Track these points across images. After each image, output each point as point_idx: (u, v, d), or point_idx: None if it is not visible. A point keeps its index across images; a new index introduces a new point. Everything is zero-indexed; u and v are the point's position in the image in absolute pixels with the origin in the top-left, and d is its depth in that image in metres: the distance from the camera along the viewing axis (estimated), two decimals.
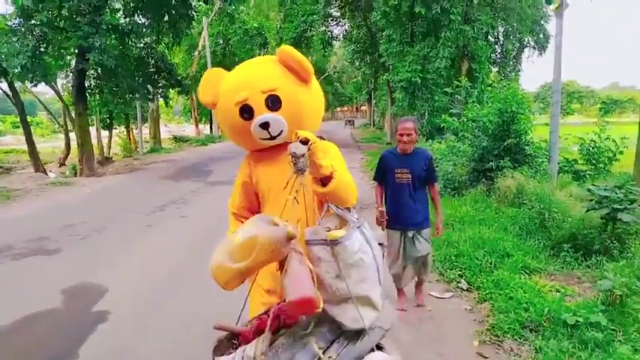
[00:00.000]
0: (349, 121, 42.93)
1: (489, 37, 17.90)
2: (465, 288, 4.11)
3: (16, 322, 3.61)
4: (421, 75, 14.80)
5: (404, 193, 3.50)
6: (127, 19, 14.82)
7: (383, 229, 3.66)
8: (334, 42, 27.37)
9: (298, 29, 22.40)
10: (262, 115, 1.85)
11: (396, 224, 3.57)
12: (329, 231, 1.60)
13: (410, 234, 3.55)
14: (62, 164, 22.30)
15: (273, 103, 1.85)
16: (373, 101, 37.27)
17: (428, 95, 15.28)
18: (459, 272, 4.38)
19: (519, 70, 25.10)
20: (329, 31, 25.50)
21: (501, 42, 20.79)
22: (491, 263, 4.42)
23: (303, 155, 1.48)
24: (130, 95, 15.72)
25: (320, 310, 1.44)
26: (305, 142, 1.51)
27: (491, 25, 15.57)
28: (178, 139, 27.43)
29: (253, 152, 2.08)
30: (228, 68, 2.06)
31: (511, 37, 22.23)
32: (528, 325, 3.23)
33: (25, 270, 4.93)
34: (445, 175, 7.84)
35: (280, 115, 1.86)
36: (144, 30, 14.87)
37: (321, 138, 1.87)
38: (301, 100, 1.90)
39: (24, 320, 3.66)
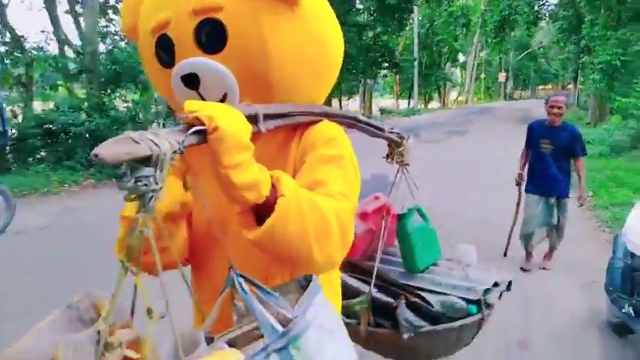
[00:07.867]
0: None
1: None
2: (590, 195, 7.15)
3: None
4: (622, 58, 15.79)
5: (546, 162, 3.82)
6: (365, 17, 19.66)
7: (520, 191, 4.10)
8: (539, 20, 27.58)
9: (503, 12, 24.07)
10: (187, 59, 0.90)
11: (536, 190, 3.90)
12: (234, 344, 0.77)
13: (551, 201, 3.89)
14: None
15: (211, 36, 0.90)
16: (580, 79, 35.70)
17: (629, 77, 16.19)
18: (590, 190, 7.38)
19: None
20: (535, 11, 26.04)
21: None
22: (612, 186, 7.30)
23: (149, 171, 0.61)
24: (361, 75, 20.67)
25: None
26: (190, 125, 0.69)
27: None
28: (384, 111, 32.24)
29: None
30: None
31: None
32: (614, 203, 6.28)
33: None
34: (615, 142, 10.29)
35: (222, 62, 0.90)
36: (376, 24, 19.49)
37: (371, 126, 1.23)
38: (267, 37, 0.90)
39: None
